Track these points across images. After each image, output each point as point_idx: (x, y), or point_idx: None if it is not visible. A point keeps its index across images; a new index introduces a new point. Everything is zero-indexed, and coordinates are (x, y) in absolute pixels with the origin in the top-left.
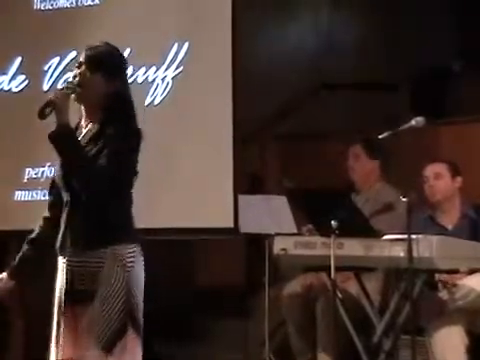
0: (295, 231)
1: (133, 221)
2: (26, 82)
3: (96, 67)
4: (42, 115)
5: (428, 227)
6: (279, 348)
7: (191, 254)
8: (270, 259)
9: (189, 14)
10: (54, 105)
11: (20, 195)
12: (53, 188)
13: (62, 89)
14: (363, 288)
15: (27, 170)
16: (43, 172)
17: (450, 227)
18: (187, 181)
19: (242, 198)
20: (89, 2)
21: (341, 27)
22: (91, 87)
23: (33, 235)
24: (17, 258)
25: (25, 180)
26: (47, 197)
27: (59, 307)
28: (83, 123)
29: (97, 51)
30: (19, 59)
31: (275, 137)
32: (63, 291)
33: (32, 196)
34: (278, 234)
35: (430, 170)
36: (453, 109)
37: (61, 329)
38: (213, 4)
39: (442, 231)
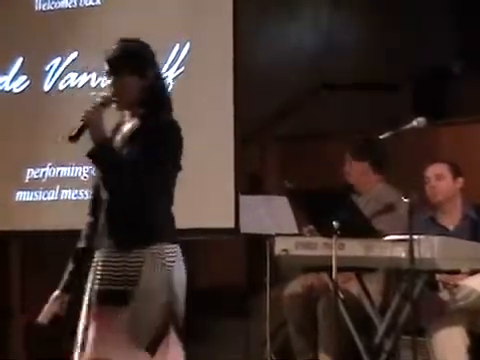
0: (296, 231)
1: (173, 220)
2: (27, 83)
3: (119, 71)
4: (75, 139)
5: (429, 228)
6: (280, 348)
7: (192, 254)
8: (271, 259)
9: (190, 15)
10: (87, 127)
11: (21, 195)
12: (96, 192)
13: (94, 104)
14: (364, 288)
15: (28, 170)
16: (44, 172)
17: (451, 228)
18: (188, 181)
19: (243, 198)
20: (90, 2)
21: (341, 27)
22: (124, 91)
23: (81, 245)
24: (69, 271)
25: (26, 180)
26: (48, 197)
27: (90, 306)
28: (126, 119)
29: (114, 55)
30: (20, 59)
31: (276, 137)
32: (98, 291)
33: (33, 196)
34: (279, 234)
35: (431, 171)
36: (453, 109)
37: (90, 328)
38: (214, 5)
39: (443, 232)
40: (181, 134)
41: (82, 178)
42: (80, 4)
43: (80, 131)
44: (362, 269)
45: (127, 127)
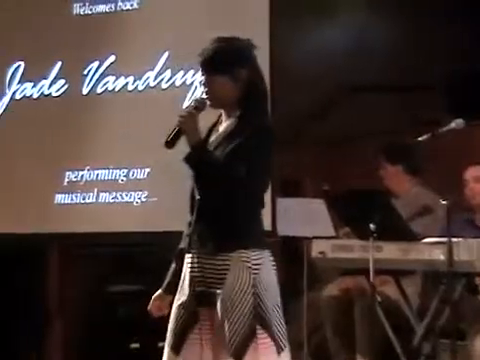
0: (333, 234)
1: (262, 225)
2: (66, 86)
3: (214, 70)
4: (171, 145)
5: (467, 230)
6: (317, 351)
7: None
8: (308, 262)
9: (226, 16)
10: (182, 130)
11: (60, 198)
12: (192, 191)
13: (188, 109)
14: (402, 291)
15: (67, 173)
16: (82, 175)
17: None
18: None
19: (280, 201)
20: (127, 6)
21: (375, 28)
22: (216, 91)
23: (182, 245)
24: (171, 272)
25: (65, 183)
26: (86, 200)
27: (184, 308)
28: (222, 118)
29: (209, 54)
30: (59, 64)
31: (312, 140)
32: (189, 293)
33: (72, 199)
34: (316, 237)
35: (470, 173)
36: None
37: (179, 330)
38: (250, 6)
39: None
40: (273, 139)
41: (120, 181)
42: (117, 8)
43: (176, 136)
44: (400, 272)
45: (223, 127)
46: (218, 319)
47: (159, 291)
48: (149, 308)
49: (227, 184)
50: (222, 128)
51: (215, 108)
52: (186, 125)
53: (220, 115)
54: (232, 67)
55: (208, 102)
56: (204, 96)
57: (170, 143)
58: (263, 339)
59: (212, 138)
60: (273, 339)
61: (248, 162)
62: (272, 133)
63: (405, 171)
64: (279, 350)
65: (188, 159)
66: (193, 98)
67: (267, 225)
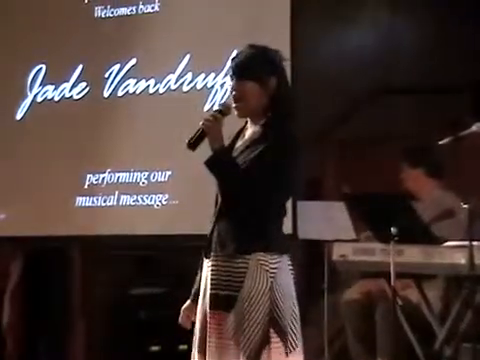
0: (354, 237)
1: (282, 231)
2: (87, 89)
3: (244, 75)
4: (194, 147)
5: None
6: (338, 355)
7: None
8: (329, 265)
9: (248, 19)
10: (206, 134)
11: (81, 201)
12: (217, 196)
13: (213, 113)
14: (423, 295)
15: (88, 176)
16: (103, 178)
17: None
18: None
19: (301, 204)
20: (149, 9)
21: (402, 29)
22: (244, 98)
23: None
24: (197, 280)
25: (86, 186)
26: (107, 203)
27: (203, 311)
28: (248, 125)
29: (240, 59)
30: (80, 66)
31: (336, 141)
32: (208, 295)
33: (93, 202)
34: (337, 240)
35: None
36: None
37: (206, 333)
38: (272, 8)
39: None
40: (297, 148)
41: (141, 184)
42: (139, 11)
43: (199, 139)
44: (421, 275)
45: (248, 133)
46: (231, 322)
47: (188, 302)
48: (180, 321)
49: (247, 191)
50: (247, 135)
51: (241, 117)
52: (210, 129)
53: (246, 121)
54: (262, 74)
55: (234, 108)
56: (229, 101)
57: (193, 145)
58: (276, 343)
59: (239, 143)
60: (286, 345)
61: (269, 170)
62: (296, 142)
63: (426, 174)
64: (289, 354)
65: (209, 163)
66: (218, 102)
67: (288, 228)
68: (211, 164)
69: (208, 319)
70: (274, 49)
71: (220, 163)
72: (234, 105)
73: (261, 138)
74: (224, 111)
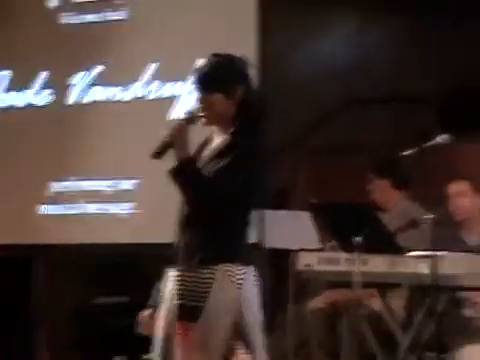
0: (318, 247)
1: (247, 241)
2: (51, 96)
3: (209, 88)
4: (159, 156)
5: (453, 244)
6: None
7: None
8: (294, 275)
9: (216, 29)
10: (171, 144)
11: (45, 209)
12: (182, 206)
13: (179, 121)
14: (387, 305)
15: (52, 184)
16: (67, 186)
17: (475, 244)
18: None
19: (268, 214)
20: (116, 17)
21: (371, 42)
22: (210, 108)
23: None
24: (156, 288)
25: (50, 194)
26: (71, 211)
27: (167, 321)
28: (215, 134)
29: (205, 71)
30: (45, 73)
31: (304, 152)
32: (172, 306)
33: (56, 210)
34: (302, 250)
35: (452, 188)
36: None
37: (171, 344)
38: (240, 17)
39: (467, 248)
40: (266, 160)
41: (106, 192)
42: (106, 19)
43: (164, 148)
44: (385, 285)
45: (216, 142)
46: (197, 332)
47: (148, 310)
48: (139, 329)
49: (212, 202)
50: (214, 144)
51: (209, 125)
52: (175, 138)
53: (213, 131)
54: (228, 84)
55: (202, 119)
56: (196, 109)
57: (158, 155)
58: (242, 354)
59: (205, 153)
60: (252, 353)
61: (235, 181)
62: (263, 152)
63: (393, 185)
64: None
65: (173, 173)
66: (185, 111)
67: (254, 237)
68: (175, 174)
69: (175, 330)
70: (239, 56)
71: (184, 173)
72: (201, 115)
73: (228, 148)
74: (190, 120)
